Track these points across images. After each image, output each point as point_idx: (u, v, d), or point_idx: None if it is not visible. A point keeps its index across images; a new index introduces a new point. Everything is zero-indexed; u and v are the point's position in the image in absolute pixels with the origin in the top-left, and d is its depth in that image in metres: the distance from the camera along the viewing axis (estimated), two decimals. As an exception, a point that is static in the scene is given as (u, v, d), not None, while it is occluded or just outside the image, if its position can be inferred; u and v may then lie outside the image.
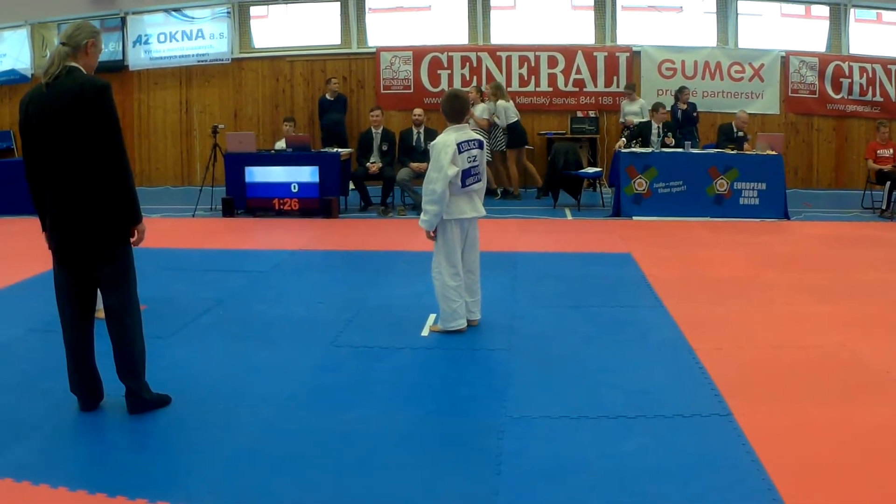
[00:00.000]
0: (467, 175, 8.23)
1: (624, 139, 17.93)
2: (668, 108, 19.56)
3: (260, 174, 17.15)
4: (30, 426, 6.05)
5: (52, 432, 5.95)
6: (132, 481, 5.14)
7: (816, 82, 21.69)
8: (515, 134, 19.70)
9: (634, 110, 19.94)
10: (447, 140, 8.14)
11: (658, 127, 17.89)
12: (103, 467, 5.40)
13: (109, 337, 6.37)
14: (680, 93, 19.93)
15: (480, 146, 8.45)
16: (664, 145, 17.58)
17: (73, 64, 6.05)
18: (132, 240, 6.22)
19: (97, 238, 6.10)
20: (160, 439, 5.89)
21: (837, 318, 9.00)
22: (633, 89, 20.62)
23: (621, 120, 20.31)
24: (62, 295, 6.31)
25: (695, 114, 19.81)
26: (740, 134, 18.23)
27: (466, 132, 8.35)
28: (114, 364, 6.35)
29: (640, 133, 17.95)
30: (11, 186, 17.40)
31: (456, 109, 8.35)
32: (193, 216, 17.16)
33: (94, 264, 6.18)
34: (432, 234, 8.31)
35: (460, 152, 8.11)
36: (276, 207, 17.06)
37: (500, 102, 19.66)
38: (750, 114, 20.22)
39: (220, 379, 7.12)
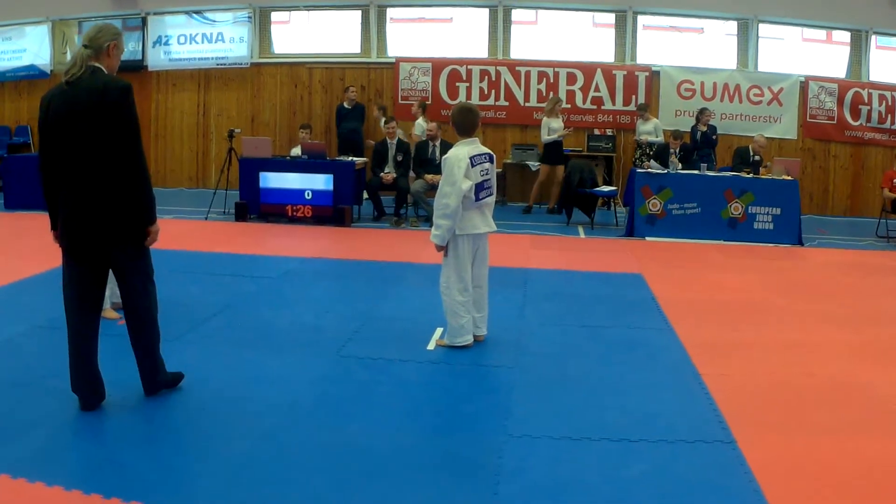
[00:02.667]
0: (480, 189, 8.21)
1: (651, 161, 17.81)
2: (689, 129, 19.55)
3: (274, 180, 17.12)
4: (30, 424, 6.05)
5: (52, 431, 5.95)
6: (129, 483, 5.13)
7: (835, 108, 21.63)
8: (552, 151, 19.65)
9: (648, 129, 19.90)
10: (459, 154, 8.12)
11: (675, 150, 17.84)
12: (101, 468, 5.40)
13: (126, 320, 6.56)
14: (701, 114, 19.87)
15: (491, 160, 8.43)
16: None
17: (96, 65, 6.15)
18: (146, 241, 6.32)
19: (110, 237, 6.22)
20: (160, 443, 5.88)
21: (849, 347, 8.94)
22: (645, 109, 20.56)
23: (636, 138, 20.25)
24: (70, 292, 6.39)
25: (714, 137, 19.74)
26: (756, 158, 18.17)
27: (478, 146, 8.31)
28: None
29: (659, 155, 17.90)
30: (27, 182, 17.50)
31: (467, 123, 8.34)
32: (206, 219, 17.17)
33: (107, 259, 6.32)
34: (443, 248, 8.24)
35: (473, 166, 8.09)
36: (289, 214, 17.03)
37: (545, 119, 19.68)
38: (767, 138, 20.18)
39: (224, 384, 7.11)
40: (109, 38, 6.26)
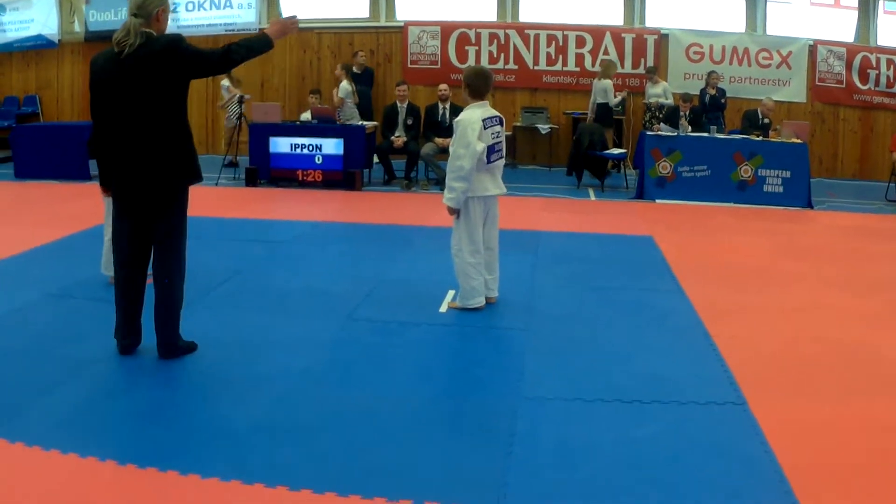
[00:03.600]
0: (492, 151, 8.23)
1: (661, 123, 17.76)
2: (697, 93, 19.54)
3: (284, 145, 17.14)
4: (41, 393, 6.07)
5: (64, 400, 5.97)
6: (143, 450, 5.15)
7: (844, 72, 21.56)
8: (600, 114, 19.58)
9: (657, 92, 19.86)
10: (472, 116, 8.13)
11: (685, 113, 17.83)
12: (115, 435, 5.43)
13: (154, 288, 6.73)
14: (709, 77, 19.86)
15: (501, 123, 8.45)
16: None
17: (147, 30, 6.39)
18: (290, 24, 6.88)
19: (161, 189, 6.56)
20: (174, 409, 5.90)
21: (858, 311, 8.94)
22: (654, 72, 20.53)
23: (645, 101, 20.18)
24: (121, 242, 6.75)
25: (723, 100, 19.71)
26: (766, 121, 18.14)
27: (488, 109, 8.31)
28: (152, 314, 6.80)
29: (668, 118, 17.88)
30: (37, 151, 17.52)
31: (480, 85, 8.33)
32: (217, 185, 17.20)
33: (157, 214, 6.61)
34: (456, 211, 8.27)
35: (485, 128, 8.11)
36: (300, 179, 17.04)
37: (599, 82, 19.69)
38: (776, 101, 20.13)
39: (237, 350, 7.13)
40: (158, 3, 6.50)
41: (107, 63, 6.39)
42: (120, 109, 6.38)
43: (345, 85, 18.94)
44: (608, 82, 19.38)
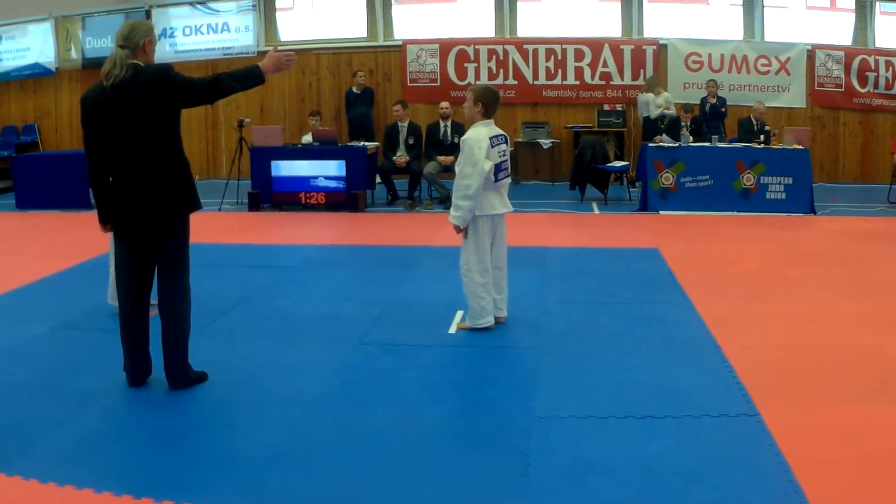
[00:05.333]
0: (499, 169, 8.26)
1: (663, 135, 17.73)
2: (698, 102, 19.58)
3: (286, 168, 17.14)
4: (54, 425, 6.06)
5: (76, 432, 5.95)
6: (158, 481, 5.14)
7: (842, 76, 21.59)
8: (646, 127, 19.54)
9: (660, 102, 19.84)
10: (479, 135, 8.14)
11: (686, 123, 17.85)
12: (129, 467, 5.40)
13: (161, 318, 6.71)
14: (709, 85, 19.90)
15: (506, 141, 8.47)
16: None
17: (134, 62, 6.40)
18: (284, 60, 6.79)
19: (162, 219, 6.55)
20: (187, 439, 5.89)
21: (866, 315, 8.93)
22: (657, 82, 20.44)
23: (646, 114, 20.08)
24: (123, 274, 6.71)
25: (723, 108, 19.75)
26: (767, 127, 18.14)
27: (494, 127, 8.33)
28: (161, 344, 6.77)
29: (670, 128, 17.89)
30: (37, 181, 17.54)
31: (492, 104, 8.36)
32: (219, 210, 17.22)
33: (158, 245, 6.61)
34: (462, 230, 8.27)
35: (492, 147, 8.13)
36: (303, 201, 17.04)
37: (643, 95, 19.78)
38: (776, 108, 20.30)
39: (247, 377, 7.12)
40: (144, 34, 6.49)
41: (97, 97, 6.41)
42: (113, 142, 6.39)
43: None
44: (650, 96, 19.45)
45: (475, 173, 8.00)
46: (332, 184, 16.91)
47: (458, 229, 8.29)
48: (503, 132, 8.47)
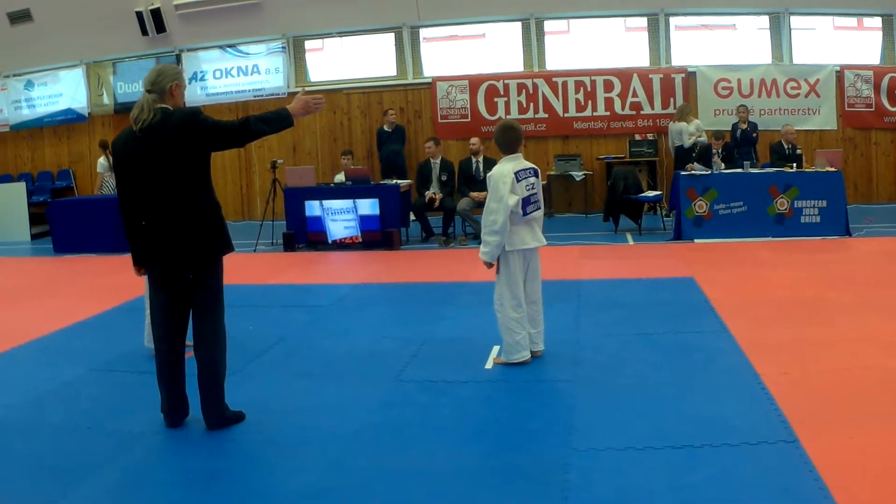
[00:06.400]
0: (527, 203, 8.23)
1: (695, 163, 17.70)
2: (729, 129, 19.57)
3: (320, 208, 17.18)
4: (93, 468, 6.09)
5: (116, 474, 5.99)
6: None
7: (872, 95, 21.55)
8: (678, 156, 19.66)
9: (692, 130, 19.80)
10: (504, 170, 8.16)
11: (717, 150, 17.82)
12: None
13: (196, 359, 6.74)
14: (739, 111, 19.90)
15: (536, 174, 8.45)
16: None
17: (162, 106, 6.47)
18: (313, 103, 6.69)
19: (196, 263, 6.60)
20: (226, 479, 5.91)
21: (905, 337, 8.86)
22: (689, 111, 20.41)
23: (679, 143, 20.02)
24: (157, 316, 6.77)
25: (755, 134, 19.73)
26: (799, 151, 18.12)
27: (521, 161, 8.34)
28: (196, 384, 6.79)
29: (702, 156, 17.86)
30: (74, 225, 17.71)
31: (510, 140, 8.38)
32: (255, 251, 17.32)
33: (192, 288, 6.65)
34: (493, 265, 8.27)
35: (518, 181, 8.13)
36: (338, 241, 17.08)
37: (674, 124, 19.91)
38: (807, 130, 20.29)
39: (286, 417, 7.13)
40: (171, 78, 6.57)
41: (127, 141, 6.50)
42: (144, 186, 6.46)
43: (102, 161, 19.62)
44: (683, 125, 19.48)
45: (500, 208, 8.02)
46: (367, 222, 16.95)
47: (488, 265, 8.29)
48: (533, 166, 8.47)
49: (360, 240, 16.95)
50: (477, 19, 22.60)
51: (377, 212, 16.91)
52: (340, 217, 17.07)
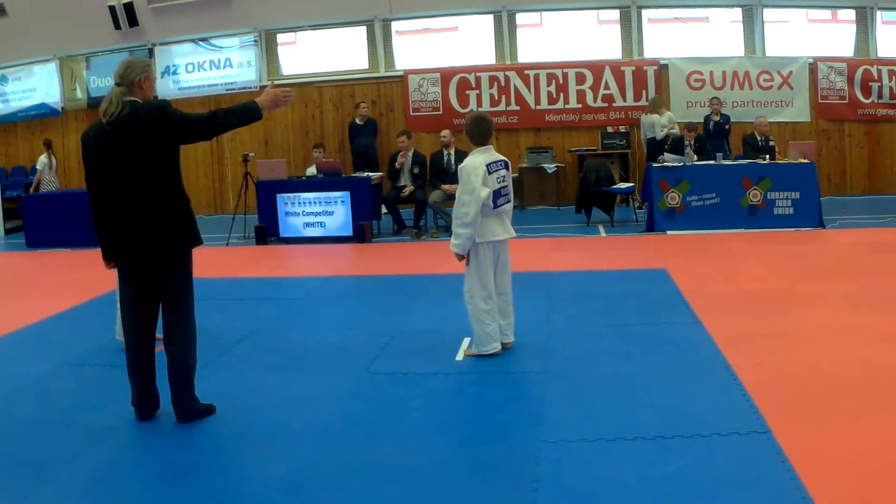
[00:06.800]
0: (498, 195, 8.20)
1: (666, 154, 17.70)
2: (701, 121, 19.59)
3: (292, 201, 17.13)
4: (64, 462, 6.05)
5: (88, 467, 5.95)
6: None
7: (846, 87, 21.65)
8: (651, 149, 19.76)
9: (664, 123, 19.81)
10: (475, 162, 8.12)
11: (690, 142, 17.84)
12: (139, 503, 5.38)
13: (166, 352, 6.72)
14: (712, 103, 19.90)
15: (507, 166, 8.42)
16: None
17: (132, 99, 6.46)
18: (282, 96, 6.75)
19: (165, 256, 6.57)
20: (196, 473, 5.87)
21: (878, 328, 8.85)
22: (661, 103, 20.43)
23: (651, 135, 20.06)
24: (128, 309, 6.76)
25: (727, 126, 19.74)
26: (772, 143, 18.15)
27: (493, 153, 8.31)
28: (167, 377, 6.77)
29: (674, 148, 17.87)
30: (47, 220, 17.63)
31: (481, 131, 8.33)
32: (227, 245, 17.25)
33: (161, 281, 6.63)
34: (464, 258, 8.24)
35: (489, 173, 8.10)
36: (309, 234, 17.06)
37: (647, 116, 19.99)
38: (780, 122, 20.36)
39: (257, 409, 7.10)
40: (140, 71, 6.54)
41: (96, 134, 6.46)
42: (113, 179, 6.42)
43: (42, 158, 19.68)
44: (655, 117, 19.52)
45: (472, 200, 7.98)
46: (339, 215, 16.94)
47: (459, 257, 8.26)
48: (504, 158, 8.44)
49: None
50: (449, 12, 22.59)
51: (349, 204, 16.89)
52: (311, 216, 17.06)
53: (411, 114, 22.53)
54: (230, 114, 6.49)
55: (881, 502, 4.97)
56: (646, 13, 22.16)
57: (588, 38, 22.39)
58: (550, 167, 21.21)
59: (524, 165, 21.53)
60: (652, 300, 10.63)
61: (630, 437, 6.10)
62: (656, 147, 19.03)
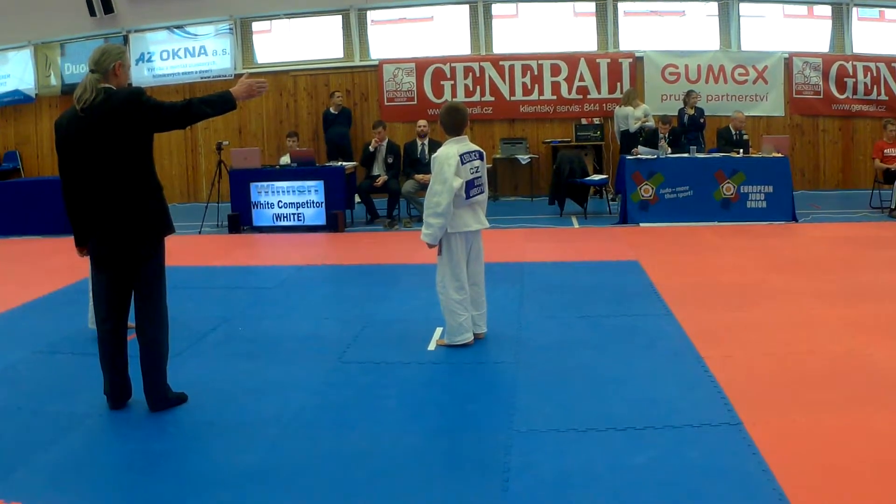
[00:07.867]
0: (471, 186, 8.19)
1: (640, 146, 17.71)
2: (676, 114, 19.62)
3: (265, 190, 17.10)
4: (35, 449, 6.02)
5: (58, 456, 5.91)
6: (139, 504, 5.10)
7: (821, 83, 21.73)
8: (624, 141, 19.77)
9: (639, 115, 19.82)
10: (449, 152, 8.10)
11: (664, 135, 17.88)
12: (111, 491, 5.37)
13: (138, 340, 6.71)
14: (687, 97, 19.89)
15: (481, 157, 8.41)
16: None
17: (106, 86, 6.42)
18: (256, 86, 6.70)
19: (137, 243, 6.55)
20: (168, 460, 5.85)
21: (848, 321, 8.91)
22: (634, 95, 20.43)
23: (624, 127, 20.05)
24: (100, 296, 6.72)
25: (702, 119, 19.76)
26: (746, 137, 18.22)
27: (466, 144, 8.29)
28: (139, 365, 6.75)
29: (649, 140, 17.91)
30: (19, 207, 17.52)
31: (455, 122, 8.32)
32: (200, 233, 17.20)
33: (134, 268, 6.60)
34: (435, 247, 8.23)
35: (463, 164, 8.08)
36: (283, 222, 17.03)
37: (620, 109, 19.95)
38: (755, 116, 20.41)
39: (229, 398, 7.07)
40: (115, 58, 6.51)
41: (70, 121, 6.43)
42: (86, 166, 6.40)
43: None
44: (629, 109, 19.52)
45: (444, 191, 7.97)
46: (312, 204, 16.91)
47: (430, 246, 8.27)
48: (478, 148, 8.42)
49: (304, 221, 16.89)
50: (425, 2, 22.55)
51: (322, 193, 16.89)
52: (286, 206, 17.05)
53: (386, 104, 22.46)
54: (204, 103, 6.46)
55: (849, 491, 5.00)
56: (622, 6, 22.16)
57: (563, 30, 22.36)
58: (524, 158, 21.21)
59: (498, 156, 21.51)
60: (624, 292, 10.64)
61: (601, 427, 6.11)
62: (630, 139, 19.05)
